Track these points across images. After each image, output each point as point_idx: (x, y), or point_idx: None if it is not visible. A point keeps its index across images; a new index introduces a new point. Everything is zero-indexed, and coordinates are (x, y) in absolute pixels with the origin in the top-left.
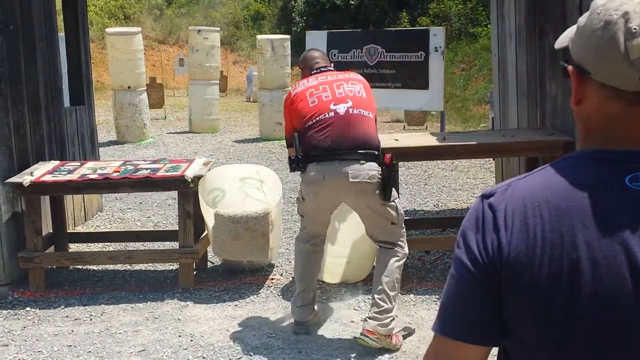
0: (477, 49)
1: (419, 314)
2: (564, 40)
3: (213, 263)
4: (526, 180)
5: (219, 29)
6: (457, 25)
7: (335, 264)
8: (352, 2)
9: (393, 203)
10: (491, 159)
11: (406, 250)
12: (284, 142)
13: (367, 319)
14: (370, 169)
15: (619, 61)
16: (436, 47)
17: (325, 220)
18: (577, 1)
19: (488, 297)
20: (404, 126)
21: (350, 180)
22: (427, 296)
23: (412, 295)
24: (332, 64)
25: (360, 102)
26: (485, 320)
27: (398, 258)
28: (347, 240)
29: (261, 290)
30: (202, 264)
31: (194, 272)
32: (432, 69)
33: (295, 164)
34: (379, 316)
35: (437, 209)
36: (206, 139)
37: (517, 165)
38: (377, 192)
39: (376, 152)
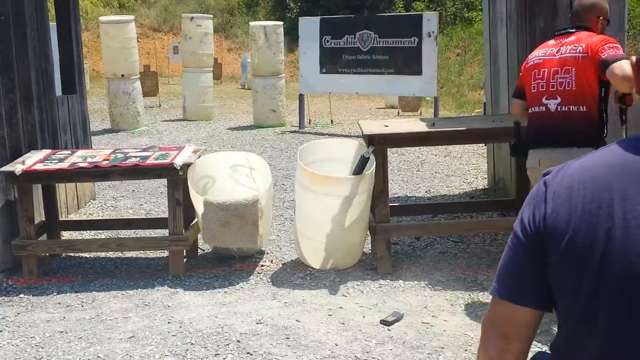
0: (472, 33)
1: (408, 300)
2: None
3: (203, 250)
4: (579, 161)
5: (212, 16)
6: (452, 10)
7: (324, 250)
8: None
9: None
10: (484, 144)
11: None
12: (277, 129)
13: None
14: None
15: None
16: (429, 32)
17: None
18: None
19: (535, 263)
20: (398, 112)
21: None
22: (416, 282)
23: (401, 282)
24: (587, 19)
25: (568, 96)
26: (533, 284)
27: None
28: (337, 226)
29: (251, 277)
30: (192, 251)
31: (185, 260)
32: (425, 54)
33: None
34: None
35: (428, 195)
36: (200, 126)
37: (507, 148)
38: None
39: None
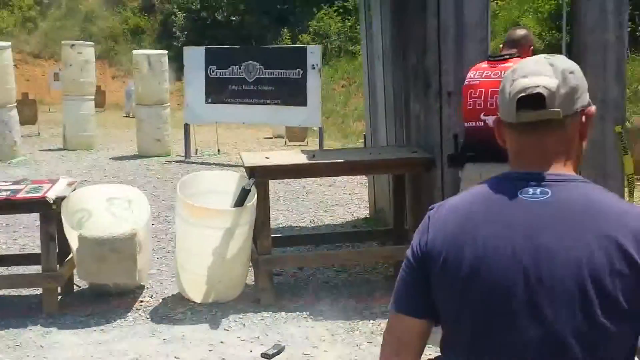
0: (357, 66)
1: (289, 331)
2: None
3: (79, 287)
4: (457, 197)
5: (93, 43)
6: (337, 43)
7: (206, 284)
8: (234, 19)
9: None
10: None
11: None
12: (162, 159)
13: None
14: None
15: (505, 103)
16: (313, 65)
17: None
18: (435, 23)
19: (422, 281)
20: (285, 142)
21: None
22: (298, 313)
23: (283, 313)
24: (529, 49)
25: None
26: (421, 299)
27: None
28: (219, 259)
29: (129, 313)
30: (67, 287)
31: (59, 297)
32: (309, 86)
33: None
34: None
35: (313, 225)
36: (81, 156)
37: (386, 179)
38: None
39: None
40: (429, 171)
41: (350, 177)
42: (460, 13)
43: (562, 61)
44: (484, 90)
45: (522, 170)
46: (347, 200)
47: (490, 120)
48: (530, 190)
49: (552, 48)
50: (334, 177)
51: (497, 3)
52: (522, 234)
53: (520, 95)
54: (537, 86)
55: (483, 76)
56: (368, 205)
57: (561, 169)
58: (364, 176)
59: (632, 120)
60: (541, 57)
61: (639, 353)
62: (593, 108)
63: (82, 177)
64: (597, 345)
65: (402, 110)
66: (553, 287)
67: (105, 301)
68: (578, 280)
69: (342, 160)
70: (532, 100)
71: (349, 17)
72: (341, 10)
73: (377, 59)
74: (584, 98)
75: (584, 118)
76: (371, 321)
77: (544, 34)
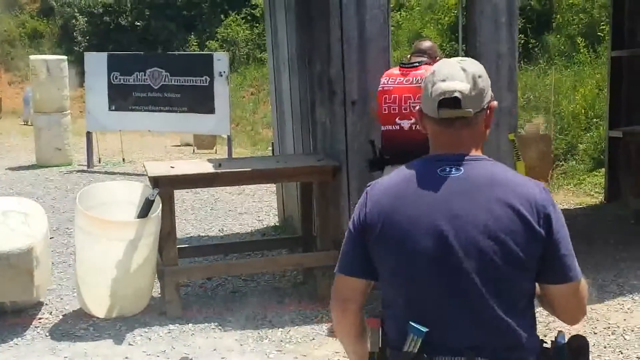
0: (265, 73)
1: (197, 343)
2: None
3: None
4: (387, 177)
5: None
6: (245, 50)
7: (109, 297)
8: (138, 23)
9: None
10: None
11: None
12: (63, 169)
13: None
14: None
15: (429, 100)
16: (221, 72)
17: None
18: (339, 33)
19: (361, 246)
20: (194, 150)
21: None
22: (206, 324)
23: (190, 325)
24: (437, 58)
25: None
26: (361, 261)
27: None
28: (122, 272)
29: (27, 331)
30: None
31: None
32: (217, 93)
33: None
34: None
35: (222, 234)
36: None
37: (294, 187)
38: None
39: None
40: (335, 178)
41: (259, 185)
42: (363, 24)
43: (471, 65)
44: (397, 95)
45: (441, 153)
46: (256, 208)
47: (405, 123)
48: (447, 169)
49: (451, 58)
50: (244, 186)
51: (400, 14)
52: (440, 204)
53: (441, 98)
54: (454, 90)
55: (396, 82)
56: (277, 213)
57: (472, 152)
58: (273, 184)
59: (525, 128)
60: (454, 62)
61: (537, 297)
62: (495, 102)
63: None
64: (501, 290)
65: (308, 118)
66: (466, 245)
67: (0, 319)
68: (485, 239)
69: (248, 169)
70: (450, 101)
71: (257, 25)
72: (249, 17)
73: (283, 67)
74: (489, 95)
75: (488, 111)
76: (280, 329)
77: (444, 44)
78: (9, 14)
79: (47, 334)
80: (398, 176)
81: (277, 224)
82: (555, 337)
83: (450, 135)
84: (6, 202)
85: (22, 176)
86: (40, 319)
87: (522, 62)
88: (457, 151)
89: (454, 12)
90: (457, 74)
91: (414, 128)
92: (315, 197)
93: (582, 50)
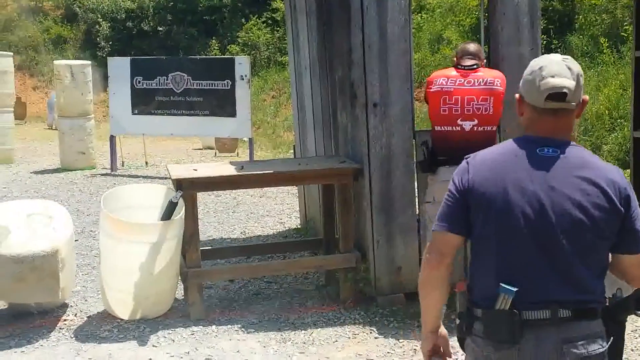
0: (286, 77)
1: (220, 345)
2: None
3: None
4: (486, 151)
5: (12, 53)
6: (266, 54)
7: (133, 300)
8: (161, 29)
9: None
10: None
11: None
12: (87, 172)
13: None
14: None
15: (535, 91)
16: (242, 76)
17: None
18: (360, 36)
19: (462, 207)
20: (215, 153)
21: None
22: (229, 326)
23: (213, 327)
24: (484, 60)
25: (487, 119)
26: (461, 219)
27: None
28: (146, 274)
29: (52, 333)
30: None
31: None
32: (239, 96)
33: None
34: None
35: (244, 237)
36: None
37: (316, 189)
38: None
39: None
40: (357, 180)
41: (281, 187)
42: (384, 27)
43: (574, 64)
44: (459, 97)
45: (539, 136)
46: (278, 210)
47: (466, 124)
48: (545, 149)
49: (551, 54)
50: (266, 188)
51: (421, 16)
52: (539, 177)
53: (551, 91)
54: (564, 87)
55: (456, 84)
56: (299, 215)
57: (565, 138)
58: (295, 186)
59: None
60: (559, 59)
61: (610, 266)
62: (586, 97)
63: (0, 192)
64: (585, 255)
65: (330, 121)
66: (560, 214)
67: (26, 321)
68: (575, 211)
69: (270, 171)
70: (557, 94)
71: (278, 28)
72: (270, 21)
73: (305, 70)
74: (583, 90)
75: (582, 104)
76: (303, 331)
77: None
78: (33, 21)
79: (72, 336)
80: (498, 151)
81: (299, 227)
82: (614, 293)
83: (550, 122)
84: (31, 204)
85: (46, 180)
86: (65, 320)
87: None
88: (555, 136)
89: (475, 14)
90: (564, 72)
91: (475, 129)
92: (336, 199)
93: (605, 51)
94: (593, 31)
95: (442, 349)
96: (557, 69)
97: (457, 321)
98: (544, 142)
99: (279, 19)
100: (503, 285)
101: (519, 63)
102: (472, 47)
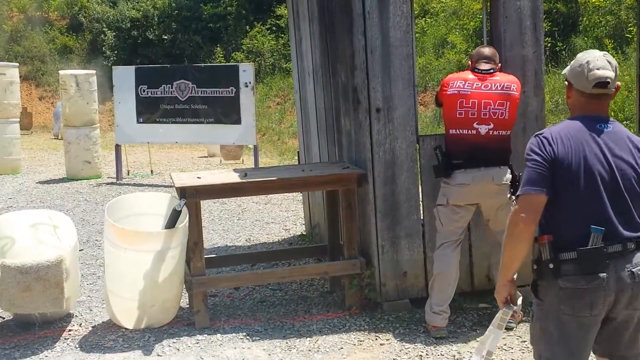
0: (291, 83)
1: (225, 354)
2: (565, 70)
3: (3, 318)
4: (556, 127)
5: (17, 64)
6: (271, 61)
7: (137, 309)
8: (166, 37)
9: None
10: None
11: None
12: (92, 181)
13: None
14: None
15: (584, 80)
16: (246, 83)
17: None
18: (363, 41)
19: (548, 172)
20: (220, 161)
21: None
22: (234, 334)
23: (219, 335)
24: (499, 64)
25: (503, 123)
26: (546, 182)
27: None
28: (150, 283)
29: (57, 343)
30: None
31: None
32: (243, 103)
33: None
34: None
35: (249, 244)
36: (6, 181)
37: (321, 195)
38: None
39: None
40: (361, 186)
41: (285, 194)
42: (386, 32)
43: (612, 59)
44: (477, 101)
45: (592, 114)
46: (283, 217)
47: (482, 128)
48: (601, 125)
49: (595, 50)
50: (270, 195)
51: (425, 21)
52: (604, 146)
53: (598, 81)
54: (607, 77)
55: (474, 87)
56: (304, 222)
57: (607, 115)
58: (298, 193)
59: None
60: (600, 55)
61: None
62: (619, 83)
63: (6, 202)
64: (638, 202)
65: (333, 127)
66: (622, 173)
67: (31, 332)
68: (630, 170)
69: (274, 178)
70: (602, 83)
71: (282, 35)
72: (274, 28)
73: (308, 76)
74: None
75: (616, 90)
76: (308, 339)
77: (470, 49)
78: (39, 31)
79: (77, 346)
80: (568, 126)
81: (304, 233)
82: None
83: (596, 104)
84: (36, 214)
85: (52, 189)
86: (69, 330)
87: (549, 65)
88: (601, 114)
89: (479, 17)
90: (607, 65)
91: (490, 133)
92: (341, 205)
93: (610, 52)
94: (597, 33)
95: (510, 297)
96: (601, 63)
97: (535, 267)
98: (598, 119)
99: (283, 25)
100: (594, 226)
101: (522, 65)
102: (487, 50)
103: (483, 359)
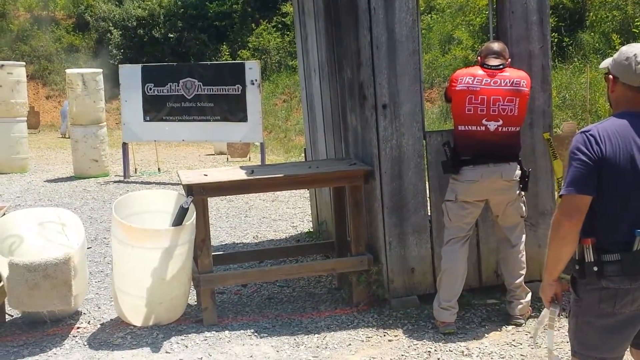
0: (297, 80)
1: (233, 350)
2: (604, 64)
3: (12, 316)
4: (603, 124)
5: (24, 63)
6: (277, 58)
7: (145, 306)
8: (172, 35)
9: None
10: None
11: (524, 240)
12: (100, 180)
13: (513, 306)
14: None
15: (632, 74)
16: (252, 80)
17: None
18: (369, 38)
19: (594, 172)
20: (227, 158)
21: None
22: (242, 331)
23: (227, 332)
24: (509, 59)
25: (512, 120)
26: (592, 183)
27: (522, 254)
28: (158, 280)
29: (65, 341)
30: None
31: None
32: (249, 101)
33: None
34: (524, 300)
35: (256, 241)
36: (14, 179)
37: (328, 192)
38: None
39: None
40: (368, 182)
41: (293, 191)
42: (392, 28)
43: None
44: (485, 97)
45: (637, 111)
46: (290, 214)
47: (491, 125)
48: None
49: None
50: (277, 192)
51: (431, 17)
52: None
53: None
54: None
55: (483, 83)
56: (311, 219)
57: None
58: (305, 190)
59: (562, 127)
60: None
61: None
62: None
63: (14, 201)
64: None
65: (340, 124)
66: None
67: (40, 329)
68: None
69: (280, 175)
70: None
71: (288, 32)
72: (280, 25)
73: (314, 73)
74: None
75: None
76: (316, 335)
77: (476, 46)
78: (45, 30)
79: (85, 343)
80: (614, 123)
81: (311, 230)
82: None
83: None
84: (44, 212)
85: (60, 187)
86: (78, 328)
87: (556, 61)
88: None
89: (485, 13)
90: None
91: (499, 130)
92: (348, 201)
93: (617, 47)
94: (604, 28)
95: (556, 296)
96: None
97: (577, 267)
98: None
99: (288, 23)
100: (638, 230)
101: (529, 61)
102: (496, 46)
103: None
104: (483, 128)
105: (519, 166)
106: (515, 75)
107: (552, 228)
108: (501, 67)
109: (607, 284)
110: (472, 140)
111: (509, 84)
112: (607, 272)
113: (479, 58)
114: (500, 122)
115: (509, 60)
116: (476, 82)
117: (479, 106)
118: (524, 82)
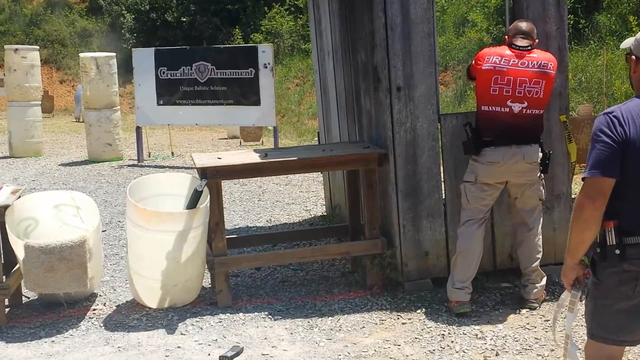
0: (310, 64)
1: (248, 332)
2: (626, 44)
3: (29, 298)
4: (626, 105)
5: (38, 47)
6: (290, 42)
7: (161, 288)
8: (184, 19)
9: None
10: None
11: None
12: (114, 164)
13: (528, 290)
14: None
15: None
16: (265, 64)
17: None
18: (383, 19)
19: (618, 154)
20: (240, 142)
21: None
22: (256, 313)
23: (241, 314)
24: (536, 40)
25: (536, 102)
26: (616, 165)
27: (539, 238)
28: (173, 263)
29: (81, 322)
30: (16, 299)
31: (7, 309)
32: (262, 85)
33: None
34: (539, 285)
35: (269, 225)
36: (29, 163)
37: (341, 175)
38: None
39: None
40: (382, 165)
41: (306, 174)
42: (407, 9)
43: None
44: (512, 78)
45: None
46: (303, 198)
47: (516, 106)
48: None
49: (499, 42)
50: (290, 176)
51: None
52: None
53: None
54: None
55: (510, 64)
56: (324, 202)
57: None
58: (318, 173)
59: (578, 110)
60: None
61: None
62: None
63: (29, 184)
64: None
65: (353, 107)
66: None
67: (56, 311)
68: None
69: (294, 158)
70: None
71: (301, 16)
72: (293, 8)
73: (328, 56)
74: None
75: None
76: (330, 318)
77: (491, 28)
78: (58, 14)
79: (101, 325)
80: (638, 105)
81: (325, 213)
82: None
83: None
84: (59, 196)
85: (74, 172)
86: (94, 310)
87: (572, 43)
88: None
89: None
90: None
91: (524, 112)
92: (361, 185)
93: (634, 29)
94: (621, 9)
95: (578, 279)
96: None
97: (598, 250)
98: None
99: (301, 6)
100: None
101: (545, 42)
102: (525, 25)
103: (578, 350)
104: (507, 109)
105: (540, 148)
106: (543, 57)
107: (575, 211)
108: (529, 48)
109: (628, 267)
110: (495, 121)
111: (536, 66)
112: (628, 255)
113: (506, 37)
114: (525, 104)
115: (537, 40)
116: (503, 62)
117: (504, 87)
118: (551, 64)
